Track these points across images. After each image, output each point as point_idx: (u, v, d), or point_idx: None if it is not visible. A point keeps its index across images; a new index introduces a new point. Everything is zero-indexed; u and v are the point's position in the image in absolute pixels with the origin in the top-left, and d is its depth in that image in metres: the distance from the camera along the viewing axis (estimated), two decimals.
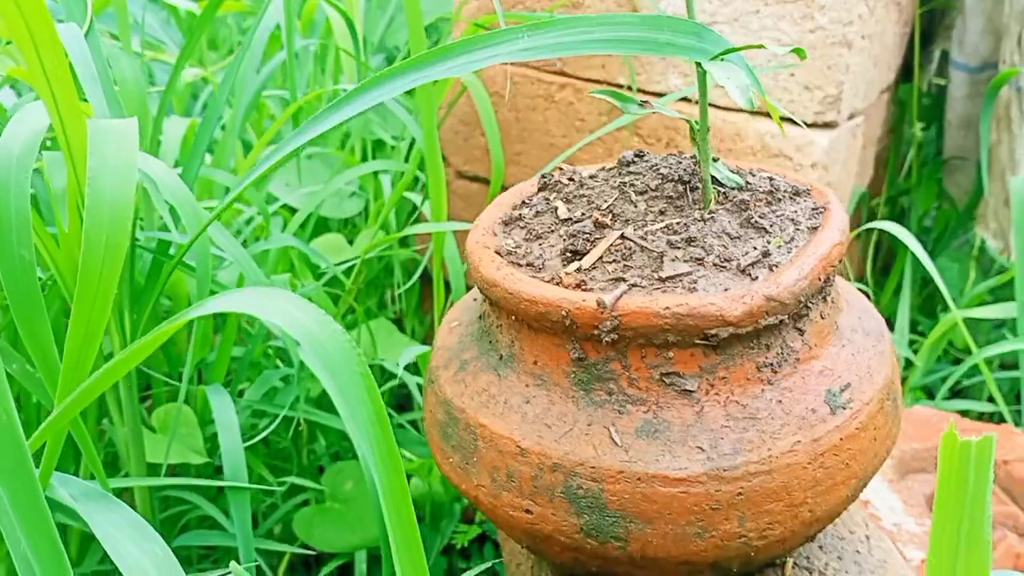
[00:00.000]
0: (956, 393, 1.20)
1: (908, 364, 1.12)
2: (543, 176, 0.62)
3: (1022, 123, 1.11)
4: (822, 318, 0.52)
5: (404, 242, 1.24)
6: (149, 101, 0.99)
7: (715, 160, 0.58)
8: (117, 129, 0.55)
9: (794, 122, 1.04)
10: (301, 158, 1.18)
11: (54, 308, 0.72)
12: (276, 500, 0.98)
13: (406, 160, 1.25)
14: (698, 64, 0.53)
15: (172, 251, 0.79)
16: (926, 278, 1.43)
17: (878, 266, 1.46)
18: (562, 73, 1.14)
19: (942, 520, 0.39)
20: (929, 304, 1.49)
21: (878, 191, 1.43)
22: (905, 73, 1.35)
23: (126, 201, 0.52)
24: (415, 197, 1.10)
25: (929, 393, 1.17)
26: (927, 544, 0.50)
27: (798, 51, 0.50)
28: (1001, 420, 1.10)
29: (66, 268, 0.63)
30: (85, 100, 0.63)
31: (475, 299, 0.60)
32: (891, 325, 1.36)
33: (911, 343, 1.27)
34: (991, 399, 1.17)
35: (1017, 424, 1.09)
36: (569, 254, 0.53)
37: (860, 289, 1.12)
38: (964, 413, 1.10)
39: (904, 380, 1.11)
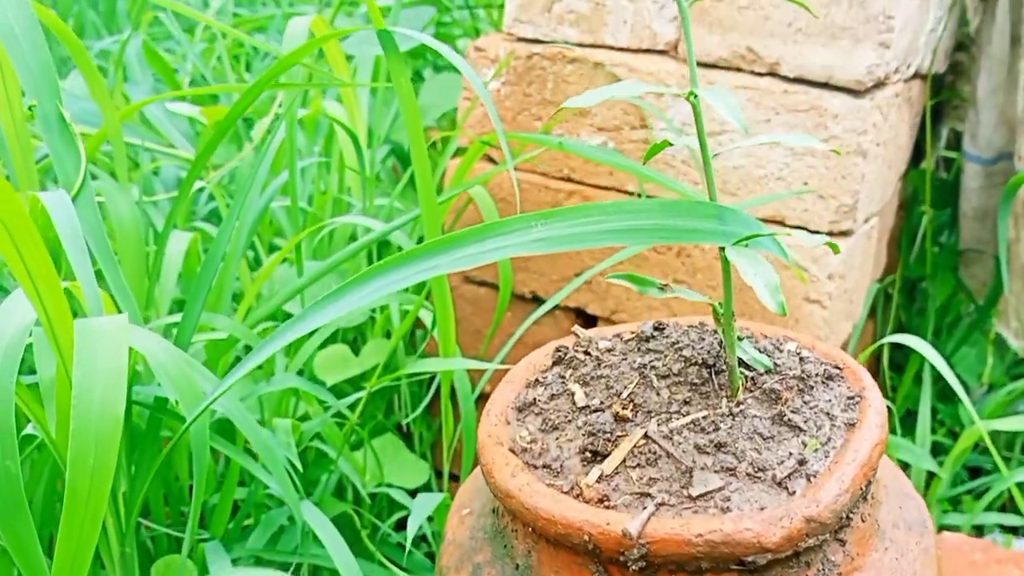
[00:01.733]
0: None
1: (930, 475, 1.08)
2: (557, 349, 0.58)
3: None
4: (863, 520, 0.49)
5: (411, 341, 1.21)
6: (149, 222, 0.97)
7: (740, 339, 0.54)
8: (105, 331, 0.52)
9: (809, 231, 1.01)
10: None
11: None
12: None
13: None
14: (721, 250, 0.50)
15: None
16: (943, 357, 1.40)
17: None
18: (570, 180, 1.12)
19: None
20: (948, 387, 1.46)
21: (892, 269, 1.40)
22: (915, 152, 1.32)
23: (114, 415, 0.49)
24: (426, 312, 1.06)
25: (954, 502, 1.13)
26: None
27: (832, 246, 0.47)
28: None
29: (62, 445, 0.60)
30: (75, 279, 0.60)
31: (485, 488, 0.56)
32: (912, 418, 1.32)
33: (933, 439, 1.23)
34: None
35: None
36: (589, 454, 0.50)
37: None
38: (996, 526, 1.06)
39: (928, 492, 1.07)
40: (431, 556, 1.11)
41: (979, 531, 1.09)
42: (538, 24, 1.09)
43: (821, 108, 0.97)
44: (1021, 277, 1.12)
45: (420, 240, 1.16)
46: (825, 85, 0.97)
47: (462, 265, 0.50)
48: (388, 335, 1.15)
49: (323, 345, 1.15)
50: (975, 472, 1.30)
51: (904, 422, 1.36)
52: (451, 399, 1.02)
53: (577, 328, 0.61)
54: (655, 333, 0.57)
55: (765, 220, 1.03)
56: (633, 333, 0.59)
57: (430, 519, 0.98)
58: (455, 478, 1.21)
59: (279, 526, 0.86)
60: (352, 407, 0.99)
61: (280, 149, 1.17)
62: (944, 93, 1.30)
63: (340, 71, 0.97)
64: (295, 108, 0.84)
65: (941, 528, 1.05)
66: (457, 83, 1.50)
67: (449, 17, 1.86)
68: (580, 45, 1.08)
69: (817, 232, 1.01)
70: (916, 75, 1.14)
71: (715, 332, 0.56)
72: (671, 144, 0.55)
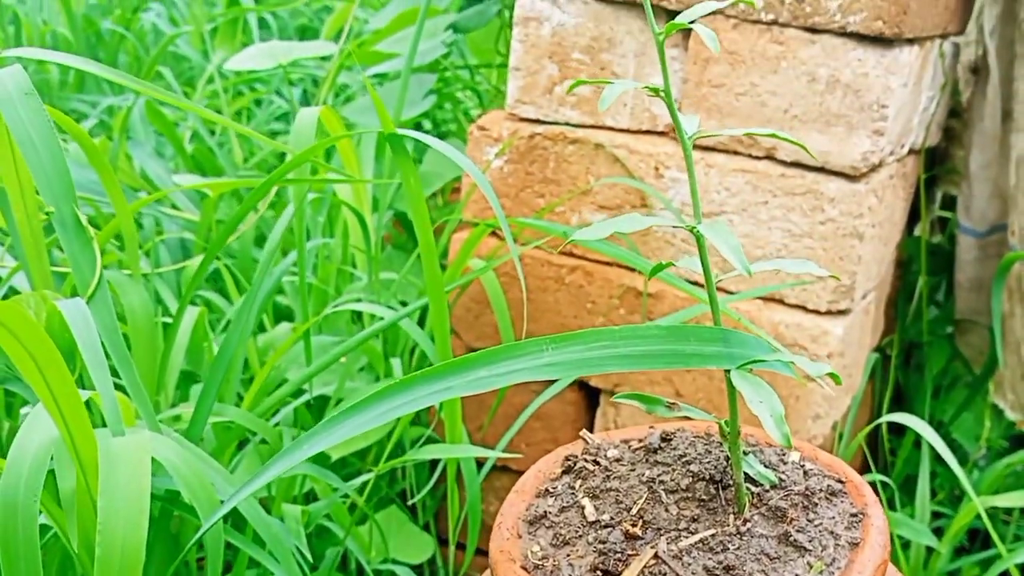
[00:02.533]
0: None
1: (930, 549, 1.09)
2: (567, 458, 0.60)
3: None
4: None
5: (416, 418, 1.22)
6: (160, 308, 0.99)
7: (745, 454, 0.56)
8: (127, 450, 0.53)
9: (807, 309, 1.03)
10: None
11: None
12: None
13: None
14: (727, 372, 0.52)
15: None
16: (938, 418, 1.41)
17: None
18: (572, 255, 1.13)
19: None
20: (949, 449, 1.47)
21: (891, 330, 1.42)
22: (911, 216, 1.34)
23: (138, 538, 0.50)
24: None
25: (955, 573, 1.14)
26: None
27: (834, 377, 0.48)
28: None
29: (85, 558, 0.61)
30: (92, 388, 0.62)
31: None
32: (911, 483, 1.33)
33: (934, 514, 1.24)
34: None
35: None
36: (600, 573, 0.51)
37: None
38: None
39: (928, 565, 1.08)
40: None
41: None
42: (540, 105, 1.11)
43: (817, 192, 0.99)
44: (1015, 352, 1.14)
45: (422, 319, 1.18)
46: (821, 169, 0.99)
47: (474, 389, 0.51)
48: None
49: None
50: (976, 532, 1.31)
51: (904, 487, 1.37)
52: (458, 479, 1.03)
53: (585, 433, 0.62)
54: (662, 444, 0.59)
55: (766, 299, 1.05)
56: (640, 442, 0.60)
57: None
58: (462, 547, 1.22)
59: None
60: (359, 489, 1.00)
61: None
62: (936, 166, 1.32)
63: (347, 156, 0.99)
64: (304, 199, 0.86)
65: None
66: (462, 151, 1.53)
67: (449, 61, 1.90)
68: (581, 126, 1.10)
69: (814, 311, 1.02)
70: (911, 151, 1.16)
71: (720, 445, 0.57)
72: (673, 264, 0.57)
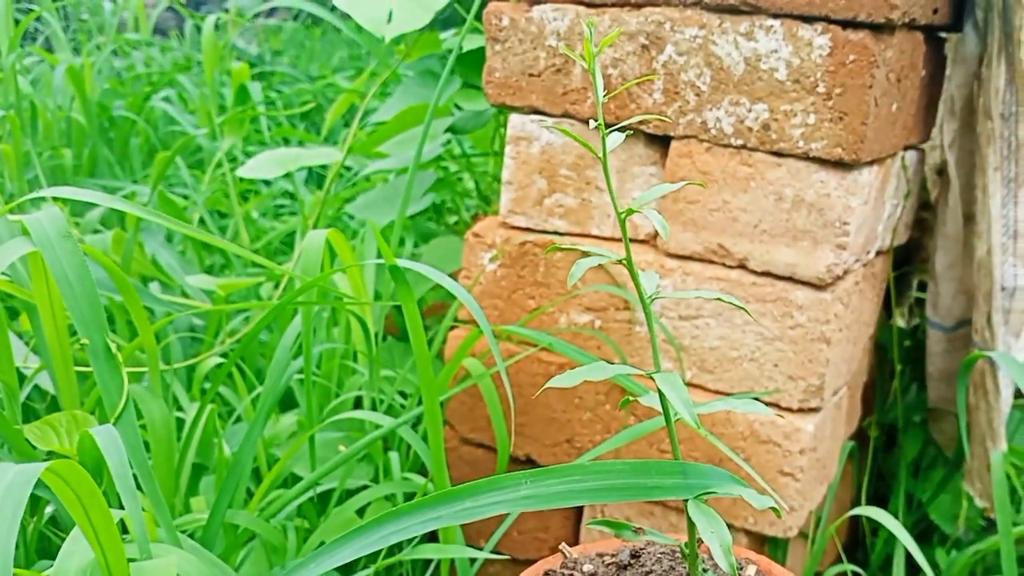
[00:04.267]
0: None
1: None
2: (546, 573, 0.67)
3: (997, 396, 1.17)
4: None
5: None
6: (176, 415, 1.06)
7: (705, 572, 0.63)
8: (156, 571, 0.60)
9: (780, 407, 1.10)
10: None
11: None
12: None
13: (414, 428, 1.32)
14: (685, 502, 0.59)
15: None
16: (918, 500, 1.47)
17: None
18: (560, 353, 1.21)
19: None
20: (928, 529, 1.53)
21: (870, 412, 1.49)
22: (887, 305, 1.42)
23: None
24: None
25: None
26: None
27: (776, 511, 0.55)
28: None
29: None
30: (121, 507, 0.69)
31: None
32: (891, 563, 1.39)
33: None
34: None
35: None
36: None
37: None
38: None
39: None
40: None
41: None
42: (530, 216, 1.20)
43: (787, 299, 1.06)
44: (980, 443, 1.21)
45: (418, 421, 1.25)
46: (790, 279, 1.07)
47: (462, 519, 0.58)
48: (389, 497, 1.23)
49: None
50: None
51: (885, 568, 1.43)
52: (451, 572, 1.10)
53: (564, 548, 0.69)
54: (632, 561, 0.65)
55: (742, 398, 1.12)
56: (613, 557, 0.67)
57: None
58: None
59: None
60: None
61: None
62: (913, 256, 1.40)
63: (352, 273, 1.07)
64: (311, 319, 0.94)
65: None
66: (460, 246, 1.61)
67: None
68: (568, 235, 1.18)
69: (787, 409, 1.10)
70: (878, 253, 1.24)
71: (682, 563, 0.64)
72: (642, 395, 0.64)
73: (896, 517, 1.38)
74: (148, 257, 1.85)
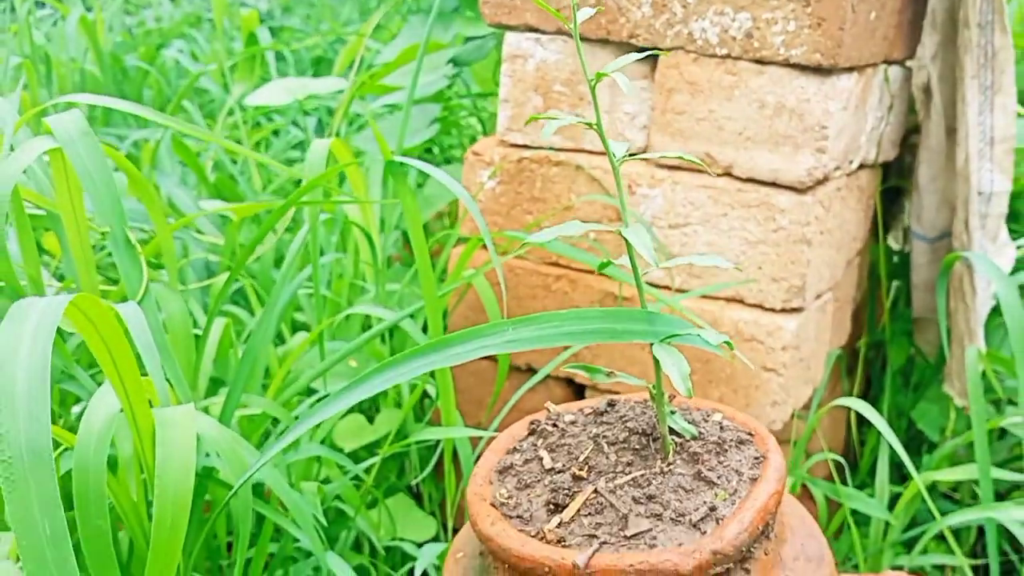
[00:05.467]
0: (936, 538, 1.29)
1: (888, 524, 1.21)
2: (531, 423, 0.73)
3: (974, 296, 1.22)
4: (766, 554, 0.63)
5: (419, 416, 1.35)
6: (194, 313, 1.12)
7: (672, 413, 0.69)
8: (178, 419, 0.67)
9: (764, 308, 1.15)
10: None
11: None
12: None
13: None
14: (651, 346, 0.65)
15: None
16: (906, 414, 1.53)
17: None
18: (557, 264, 1.27)
19: None
20: (916, 440, 1.59)
21: (861, 334, 1.55)
22: (878, 228, 1.47)
23: (187, 485, 0.63)
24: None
25: (908, 546, 1.26)
26: None
27: (728, 343, 0.61)
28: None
29: (135, 525, 0.75)
30: (145, 374, 0.75)
31: (475, 538, 0.71)
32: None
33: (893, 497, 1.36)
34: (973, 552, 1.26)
35: None
36: (552, 506, 0.64)
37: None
38: (939, 568, 1.19)
39: (885, 538, 1.20)
40: None
41: (922, 569, 1.22)
42: (527, 132, 1.25)
43: (770, 204, 1.12)
44: (959, 344, 1.26)
45: (425, 327, 1.32)
46: (773, 184, 1.12)
47: (453, 361, 0.65)
48: (398, 405, 1.29)
49: (342, 415, 1.30)
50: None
51: (872, 473, 1.49)
52: (455, 461, 1.16)
53: (549, 404, 0.75)
54: (608, 408, 0.72)
55: (728, 299, 1.18)
56: (592, 408, 0.73)
57: (437, 567, 1.11)
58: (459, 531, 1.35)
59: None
60: (368, 471, 1.13)
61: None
62: (904, 179, 1.45)
63: (356, 181, 1.12)
64: (317, 219, 1.00)
65: (894, 568, 1.18)
66: (460, 174, 1.67)
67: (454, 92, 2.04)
68: (563, 150, 1.24)
69: (771, 310, 1.15)
70: (863, 166, 1.29)
71: (653, 407, 0.70)
72: (612, 263, 0.70)
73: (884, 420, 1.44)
74: (164, 197, 1.92)
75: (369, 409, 1.37)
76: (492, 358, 1.35)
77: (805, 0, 1.04)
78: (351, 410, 1.34)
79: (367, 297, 1.40)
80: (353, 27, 4.09)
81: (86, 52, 2.90)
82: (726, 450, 0.67)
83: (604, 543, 0.60)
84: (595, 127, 0.66)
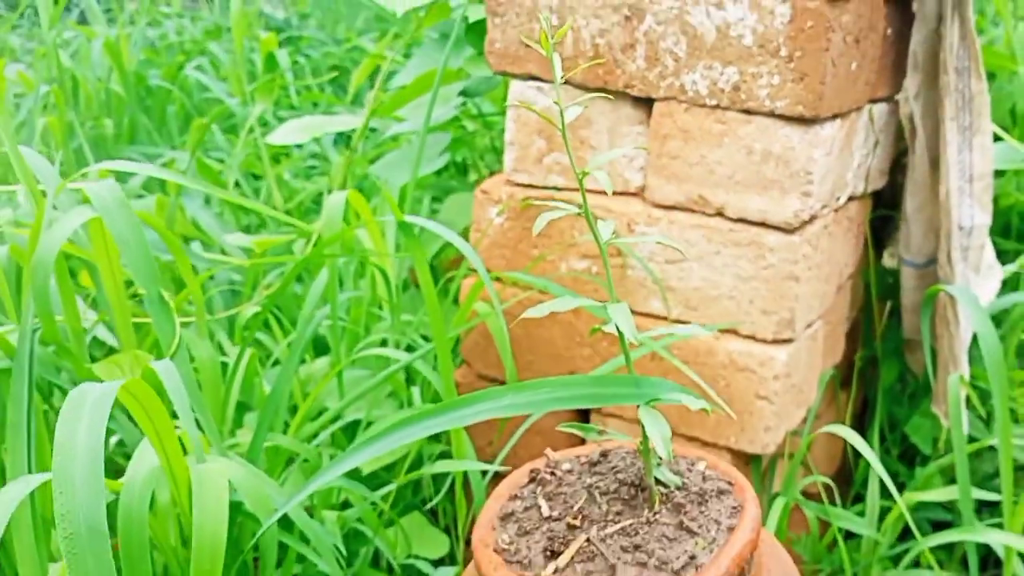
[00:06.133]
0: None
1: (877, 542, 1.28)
2: (532, 471, 0.81)
3: (957, 325, 1.29)
4: None
5: (436, 436, 1.43)
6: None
7: (658, 465, 0.76)
8: (212, 473, 0.75)
9: (756, 339, 1.23)
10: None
11: None
12: None
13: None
14: (638, 407, 0.72)
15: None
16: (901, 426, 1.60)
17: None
18: None
19: None
20: (911, 451, 1.66)
21: (857, 349, 1.61)
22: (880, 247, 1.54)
23: (222, 533, 0.71)
24: None
25: (896, 560, 1.33)
26: None
27: (705, 409, 0.68)
28: None
29: (173, 561, 0.83)
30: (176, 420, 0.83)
31: None
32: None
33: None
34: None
35: None
36: (548, 552, 0.72)
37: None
38: None
39: (874, 553, 1.27)
40: None
41: None
42: (531, 173, 1.32)
43: (760, 243, 1.19)
44: (945, 368, 1.33)
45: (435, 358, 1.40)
46: (762, 224, 1.19)
47: (459, 423, 0.72)
48: None
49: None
50: (940, 525, 1.49)
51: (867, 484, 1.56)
52: (465, 488, 1.24)
53: (548, 451, 0.83)
54: (601, 458, 0.79)
55: (724, 331, 1.25)
56: (587, 458, 0.81)
57: None
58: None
59: None
60: (385, 497, 1.21)
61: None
62: (892, 210, 1.51)
63: (371, 226, 1.20)
64: (336, 271, 1.08)
65: None
66: (471, 201, 1.74)
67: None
68: (565, 189, 1.31)
69: (763, 341, 1.22)
70: (852, 198, 1.36)
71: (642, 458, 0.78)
72: (601, 330, 0.78)
73: (875, 438, 1.51)
74: (189, 219, 2.00)
75: None
76: (500, 381, 1.43)
77: (788, 56, 1.11)
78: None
79: (383, 325, 1.48)
80: (369, 35, 4.16)
81: (110, 72, 2.99)
82: (707, 500, 0.74)
83: None
84: (578, 175, 0.73)
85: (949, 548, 1.39)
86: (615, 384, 0.72)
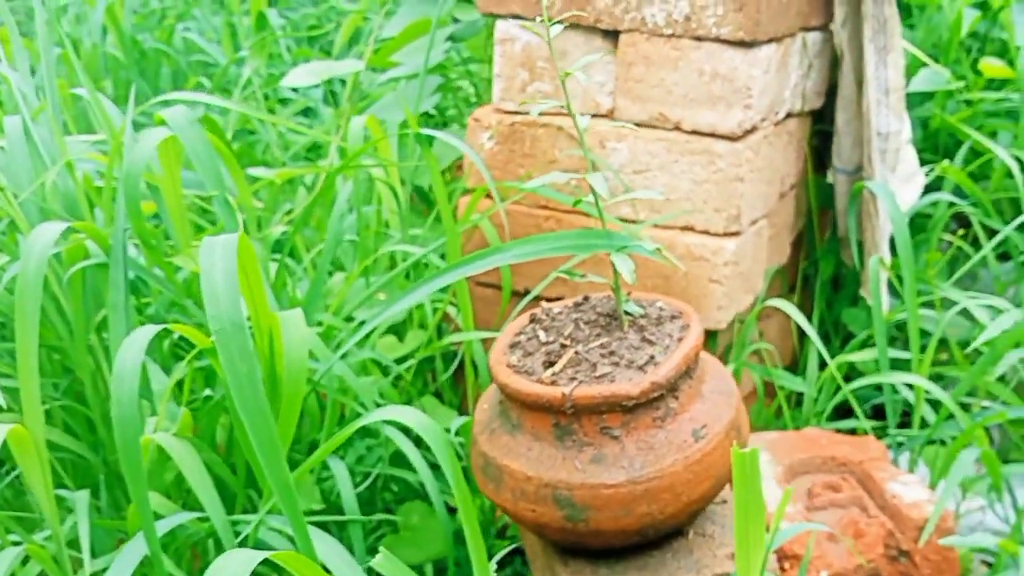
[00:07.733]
0: (848, 413, 1.61)
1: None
2: (531, 314, 1.05)
3: (877, 216, 1.53)
4: (690, 388, 0.94)
5: (440, 334, 1.67)
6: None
7: (627, 301, 1.00)
8: (293, 316, 0.98)
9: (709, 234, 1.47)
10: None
11: None
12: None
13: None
14: (609, 253, 0.96)
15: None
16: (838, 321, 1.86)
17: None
18: (546, 207, 1.57)
19: (739, 496, 0.80)
20: (848, 339, 1.91)
21: (805, 256, 1.86)
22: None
23: (303, 364, 0.95)
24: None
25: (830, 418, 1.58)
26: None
27: (659, 250, 0.92)
28: (865, 433, 1.51)
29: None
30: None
31: (495, 391, 1.02)
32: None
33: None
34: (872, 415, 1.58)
35: (878, 437, 1.50)
36: (547, 363, 0.96)
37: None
38: (851, 431, 1.52)
39: (812, 408, 1.53)
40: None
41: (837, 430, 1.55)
42: (517, 101, 1.55)
43: (711, 151, 1.42)
44: (868, 255, 1.57)
45: (443, 256, 1.63)
46: (712, 135, 1.43)
47: (474, 271, 0.96)
48: (423, 327, 1.61)
49: (381, 334, 1.62)
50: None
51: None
52: (472, 363, 1.48)
53: (543, 302, 1.07)
54: (583, 301, 1.03)
55: (682, 228, 1.49)
56: (573, 303, 1.05)
57: (462, 444, 1.44)
58: None
59: (366, 446, 1.33)
60: (403, 373, 1.45)
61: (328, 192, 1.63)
62: (822, 124, 1.76)
63: (383, 148, 1.43)
64: (358, 181, 1.30)
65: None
66: (463, 135, 1.97)
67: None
68: (547, 114, 1.54)
69: (715, 234, 1.46)
70: (790, 115, 1.59)
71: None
72: (583, 200, 1.01)
73: (815, 322, 1.76)
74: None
75: (399, 334, 1.69)
76: (496, 287, 1.66)
77: None
78: (386, 332, 1.66)
79: (393, 240, 1.71)
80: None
81: (104, 35, 3.16)
82: (663, 322, 0.98)
83: (581, 382, 0.92)
84: (566, 107, 0.96)
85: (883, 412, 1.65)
86: (595, 236, 0.96)
